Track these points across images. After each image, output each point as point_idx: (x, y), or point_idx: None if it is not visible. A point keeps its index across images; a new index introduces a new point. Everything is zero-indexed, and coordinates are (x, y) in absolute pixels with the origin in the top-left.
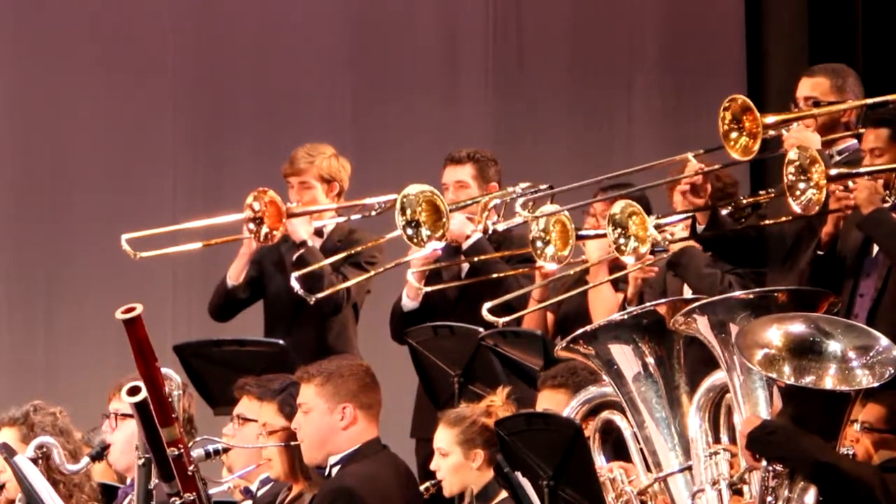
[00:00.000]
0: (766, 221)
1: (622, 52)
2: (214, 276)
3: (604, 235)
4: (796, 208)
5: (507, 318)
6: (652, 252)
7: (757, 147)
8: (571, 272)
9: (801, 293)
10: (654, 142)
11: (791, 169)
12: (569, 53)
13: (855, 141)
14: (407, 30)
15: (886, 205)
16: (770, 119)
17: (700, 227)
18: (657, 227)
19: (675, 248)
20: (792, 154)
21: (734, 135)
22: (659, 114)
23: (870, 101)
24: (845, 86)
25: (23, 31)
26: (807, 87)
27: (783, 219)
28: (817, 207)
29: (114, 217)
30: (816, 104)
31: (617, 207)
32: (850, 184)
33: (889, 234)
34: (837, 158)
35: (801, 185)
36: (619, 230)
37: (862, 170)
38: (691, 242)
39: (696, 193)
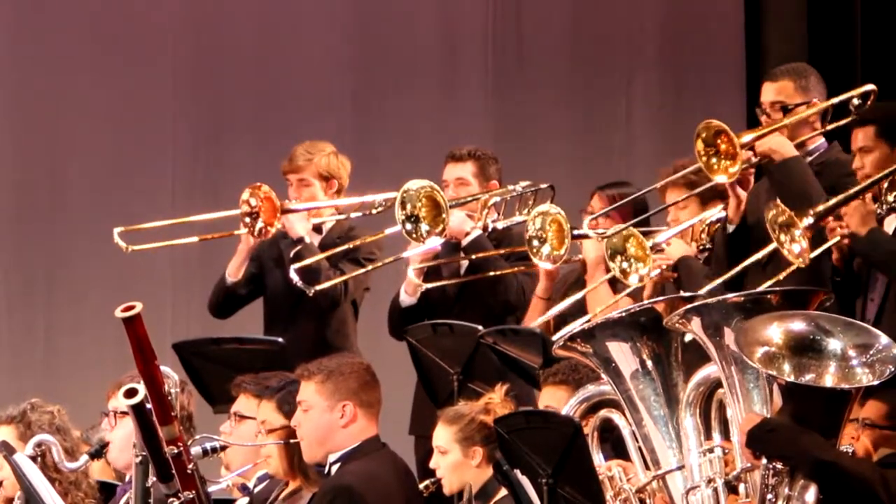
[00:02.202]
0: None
1: (622, 51)
2: (213, 275)
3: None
4: (794, 262)
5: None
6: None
7: (737, 168)
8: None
9: (792, 293)
10: (653, 141)
11: (782, 232)
12: (568, 53)
13: (823, 140)
14: (407, 30)
15: (891, 215)
16: (746, 138)
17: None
18: (653, 247)
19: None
20: (770, 216)
21: (714, 160)
22: (659, 113)
23: (835, 100)
24: (808, 85)
25: (23, 31)
26: (771, 91)
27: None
28: (808, 255)
29: (113, 216)
30: (785, 109)
31: (611, 231)
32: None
33: (884, 254)
34: (810, 159)
35: (794, 237)
36: (619, 256)
37: (826, 206)
38: (688, 252)
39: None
